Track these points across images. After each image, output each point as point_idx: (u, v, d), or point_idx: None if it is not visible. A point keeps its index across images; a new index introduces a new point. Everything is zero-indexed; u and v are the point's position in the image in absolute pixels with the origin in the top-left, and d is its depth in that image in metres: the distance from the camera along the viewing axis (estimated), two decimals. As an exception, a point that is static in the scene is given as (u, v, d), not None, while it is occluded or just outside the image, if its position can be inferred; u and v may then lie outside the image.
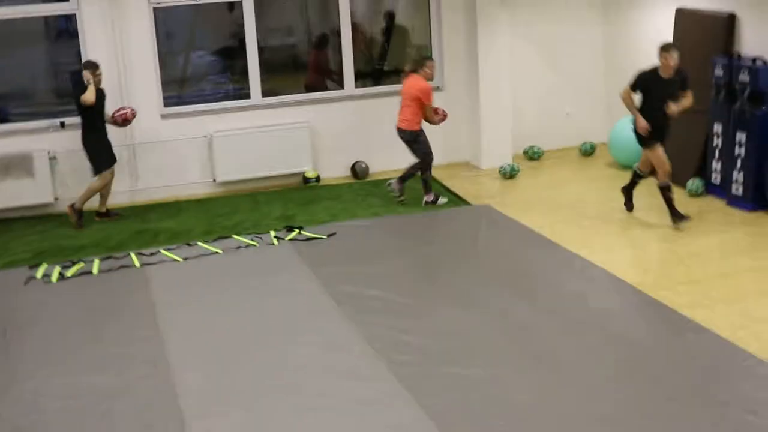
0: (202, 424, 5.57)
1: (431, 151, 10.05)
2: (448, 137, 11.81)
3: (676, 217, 8.93)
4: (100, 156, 9.85)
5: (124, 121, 10.00)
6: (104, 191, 10.05)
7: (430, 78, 9.98)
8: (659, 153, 8.98)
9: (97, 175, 9.86)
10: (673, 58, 8.66)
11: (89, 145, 9.80)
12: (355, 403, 5.74)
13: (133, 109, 10.05)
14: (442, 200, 10.08)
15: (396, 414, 5.59)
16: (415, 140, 9.96)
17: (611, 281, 7.59)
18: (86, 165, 9.97)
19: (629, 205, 9.51)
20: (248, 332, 6.91)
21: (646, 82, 8.87)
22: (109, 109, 9.99)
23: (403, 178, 10.15)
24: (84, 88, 9.50)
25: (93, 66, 9.64)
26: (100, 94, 9.72)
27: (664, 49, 8.72)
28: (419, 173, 10.03)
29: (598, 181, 10.77)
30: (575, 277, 7.76)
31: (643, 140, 9.05)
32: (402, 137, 10.03)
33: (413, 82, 9.86)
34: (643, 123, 8.86)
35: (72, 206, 9.86)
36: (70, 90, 10.37)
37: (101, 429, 5.61)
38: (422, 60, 9.99)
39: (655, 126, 8.87)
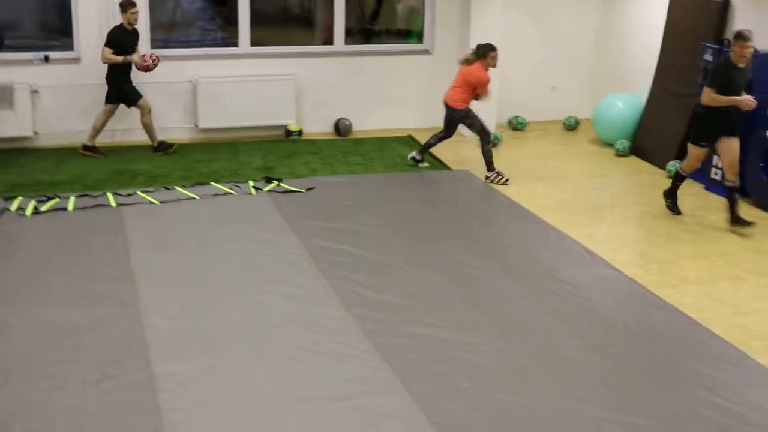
0: (168, 367, 5.57)
1: (485, 124, 9.84)
2: (433, 102, 11.77)
3: (737, 222, 8.42)
4: (130, 90, 10.10)
5: (146, 69, 10.08)
6: (100, 126, 10.13)
7: (492, 67, 9.71)
8: (735, 148, 8.44)
9: (137, 106, 10.14)
10: (749, 46, 8.14)
11: (115, 82, 10.00)
12: (320, 354, 5.77)
13: (154, 58, 10.10)
14: (500, 179, 9.68)
15: (360, 368, 5.62)
16: (466, 116, 9.77)
17: (584, 255, 7.64)
18: (68, 101, 9.90)
19: (676, 209, 8.88)
20: (220, 280, 6.91)
21: (726, 76, 8.26)
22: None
23: (424, 149, 10.14)
24: (111, 42, 9.85)
25: (128, 5, 9.80)
26: (134, 34, 10.02)
27: (741, 37, 8.11)
28: (481, 146, 9.77)
29: (580, 157, 10.81)
30: (549, 248, 7.81)
31: (712, 135, 8.50)
32: (448, 113, 9.87)
33: (473, 70, 9.57)
34: (746, 99, 8.22)
35: (153, 147, 10.33)
36: (58, 25, 10.33)
37: (66, 363, 5.60)
38: (486, 49, 9.61)
39: (729, 119, 8.41)
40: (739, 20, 9.63)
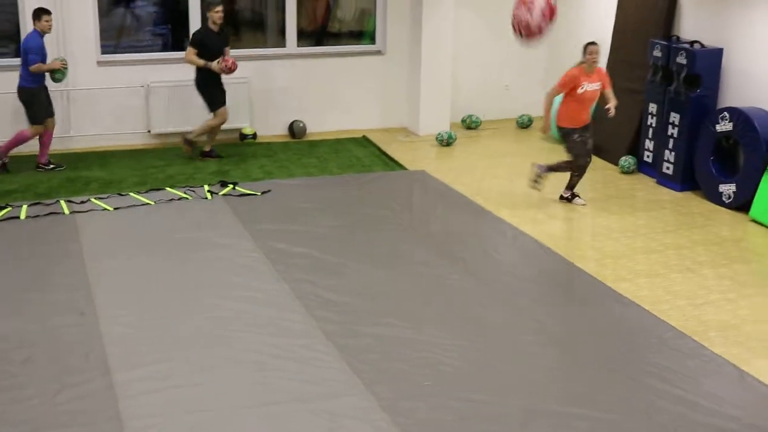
0: (128, 375, 5.53)
1: (582, 155, 8.93)
2: (387, 102, 11.82)
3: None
4: (214, 95, 10.06)
5: (229, 71, 10.01)
6: (214, 130, 10.25)
7: (593, 62, 8.74)
8: None
9: (214, 113, 10.10)
10: None
11: (203, 85, 10.03)
12: (281, 358, 5.76)
13: (233, 61, 10.00)
14: (580, 201, 9.11)
15: (322, 370, 5.62)
16: (564, 138, 9.03)
17: (541, 251, 7.71)
18: (16, 109, 9.76)
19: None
20: (178, 285, 6.86)
21: None
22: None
23: (551, 168, 9.13)
24: (195, 43, 9.87)
25: (211, 4, 9.88)
26: (222, 35, 10.02)
27: None
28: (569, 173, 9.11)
29: (533, 154, 10.86)
30: (506, 245, 7.86)
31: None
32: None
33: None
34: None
35: (185, 139, 10.23)
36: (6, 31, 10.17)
37: (23, 374, 5.53)
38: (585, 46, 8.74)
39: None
40: (687, 17, 9.78)
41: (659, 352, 5.96)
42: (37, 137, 9.64)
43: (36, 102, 9.46)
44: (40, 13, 9.35)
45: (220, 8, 9.86)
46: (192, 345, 5.93)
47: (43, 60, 9.36)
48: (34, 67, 9.25)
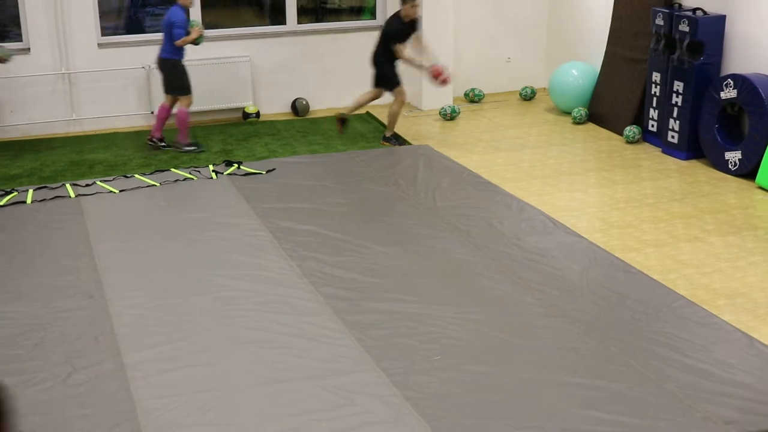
0: (138, 356, 5.55)
1: None
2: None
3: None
4: (394, 76, 9.97)
5: (442, 81, 9.93)
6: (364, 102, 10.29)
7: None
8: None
9: (393, 92, 10.04)
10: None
11: (386, 69, 9.94)
12: (290, 336, 5.77)
13: (448, 75, 9.97)
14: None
15: (331, 347, 5.64)
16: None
17: (546, 222, 7.69)
18: (20, 93, 9.77)
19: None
20: (185, 266, 6.87)
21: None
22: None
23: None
24: (395, 33, 9.78)
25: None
26: (411, 25, 9.86)
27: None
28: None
29: (538, 126, 10.86)
30: (511, 217, 7.85)
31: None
32: None
33: None
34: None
35: (390, 135, 10.17)
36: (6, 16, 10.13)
37: (33, 359, 5.55)
38: None
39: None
40: (689, -17, 9.72)
41: (668, 322, 5.96)
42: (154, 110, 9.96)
43: (181, 72, 9.65)
44: None
45: (416, 3, 9.72)
46: (201, 325, 5.94)
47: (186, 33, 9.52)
48: (179, 41, 9.42)
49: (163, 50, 9.60)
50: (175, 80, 9.65)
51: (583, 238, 7.37)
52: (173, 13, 9.48)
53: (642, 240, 7.39)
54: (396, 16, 9.85)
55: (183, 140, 9.77)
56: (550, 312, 6.11)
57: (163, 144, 9.81)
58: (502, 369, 5.40)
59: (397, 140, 10.12)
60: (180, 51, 9.57)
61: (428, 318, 5.99)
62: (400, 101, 10.05)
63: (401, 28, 9.83)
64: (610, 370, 5.38)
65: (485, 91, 12.13)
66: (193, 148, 9.75)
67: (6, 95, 10.20)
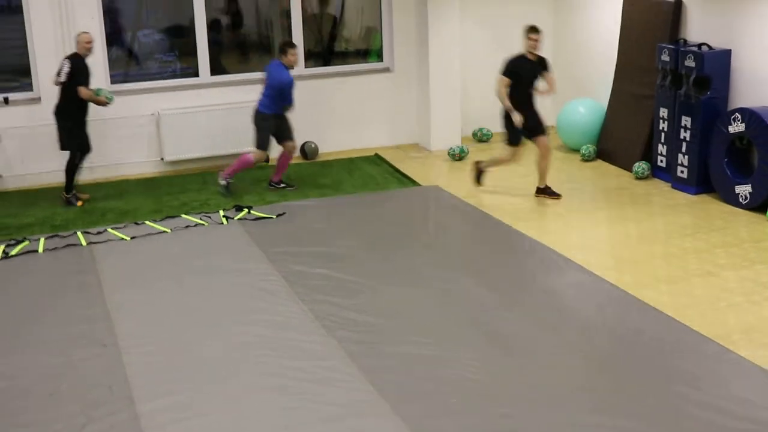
0: (152, 405, 5.52)
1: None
2: (397, 119, 11.83)
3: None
4: (513, 129, 9.35)
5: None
6: (543, 165, 9.54)
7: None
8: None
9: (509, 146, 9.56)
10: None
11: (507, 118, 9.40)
12: (305, 381, 5.74)
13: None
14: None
15: (348, 392, 5.60)
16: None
17: (559, 261, 7.68)
18: (30, 142, 9.84)
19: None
20: (198, 312, 6.86)
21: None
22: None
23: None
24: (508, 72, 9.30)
25: (531, 30, 9.41)
26: (537, 63, 9.41)
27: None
28: None
29: (546, 164, 10.85)
30: (524, 256, 7.84)
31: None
32: None
33: None
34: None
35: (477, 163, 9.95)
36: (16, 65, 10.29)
37: (48, 409, 5.52)
38: None
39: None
40: (693, 20, 9.76)
41: (684, 358, 5.92)
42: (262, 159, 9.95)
43: (266, 128, 9.71)
44: (285, 47, 9.66)
45: (536, 36, 9.31)
46: (215, 372, 5.92)
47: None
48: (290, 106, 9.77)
49: (260, 103, 9.72)
50: (258, 134, 9.77)
51: (596, 275, 7.34)
52: (283, 73, 9.59)
53: (655, 276, 7.36)
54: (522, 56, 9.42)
55: (226, 175, 9.85)
56: (565, 351, 6.07)
57: (282, 185, 10.05)
58: (521, 410, 5.35)
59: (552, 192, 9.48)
60: (274, 106, 9.68)
61: (444, 360, 5.96)
62: (546, 154, 9.45)
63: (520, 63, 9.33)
64: (629, 409, 5.33)
65: (493, 131, 12.15)
66: (224, 184, 9.85)
67: (17, 144, 10.26)
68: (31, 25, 10.23)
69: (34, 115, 10.30)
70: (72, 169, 9.52)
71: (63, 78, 9.18)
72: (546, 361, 5.96)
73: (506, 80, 9.24)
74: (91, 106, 9.52)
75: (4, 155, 10.27)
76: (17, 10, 10.35)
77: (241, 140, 10.94)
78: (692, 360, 5.89)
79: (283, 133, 9.91)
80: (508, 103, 9.19)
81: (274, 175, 10.07)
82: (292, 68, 9.69)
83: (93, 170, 10.58)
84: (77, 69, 9.21)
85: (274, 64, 9.71)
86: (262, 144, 9.78)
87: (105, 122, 10.54)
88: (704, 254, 7.82)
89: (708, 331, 6.28)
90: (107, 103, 9.55)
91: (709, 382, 5.59)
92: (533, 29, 9.32)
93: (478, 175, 9.83)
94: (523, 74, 9.27)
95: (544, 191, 9.51)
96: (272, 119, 9.71)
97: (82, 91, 9.22)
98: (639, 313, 6.63)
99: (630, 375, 5.73)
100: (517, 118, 9.14)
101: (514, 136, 9.43)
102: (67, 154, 9.51)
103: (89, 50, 9.35)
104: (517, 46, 12.17)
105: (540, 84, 9.40)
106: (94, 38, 9.62)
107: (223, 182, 9.82)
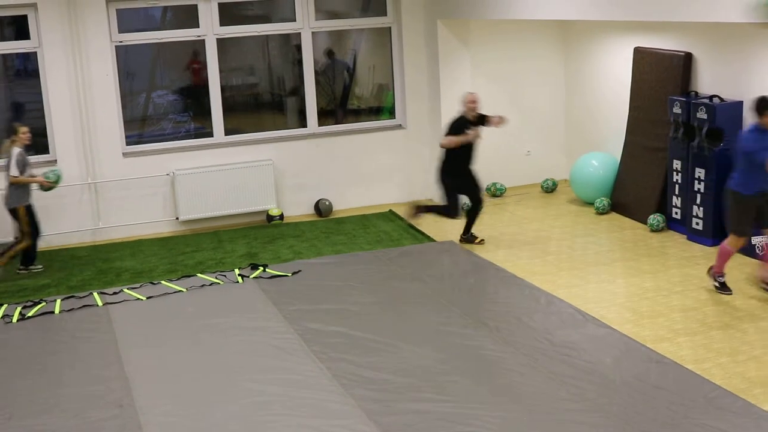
0: (169, 464, 5.50)
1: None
2: (410, 175, 11.88)
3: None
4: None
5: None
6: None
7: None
8: None
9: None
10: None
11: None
12: (324, 440, 5.70)
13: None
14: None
15: (366, 451, 5.56)
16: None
17: (576, 315, 7.64)
18: (46, 205, 9.91)
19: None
20: (214, 371, 6.84)
21: None
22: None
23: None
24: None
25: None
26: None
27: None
28: None
29: (561, 218, 10.87)
30: (540, 311, 7.80)
31: None
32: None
33: None
34: None
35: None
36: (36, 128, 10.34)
37: (65, 471, 5.51)
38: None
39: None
40: (703, 72, 9.81)
41: (706, 412, 5.85)
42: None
43: (743, 209, 7.95)
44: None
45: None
46: (232, 432, 5.89)
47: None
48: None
49: (732, 180, 7.99)
50: (732, 215, 8.10)
51: (614, 329, 7.30)
52: (748, 138, 7.77)
53: (673, 329, 7.31)
54: None
55: (716, 270, 8.19)
56: (585, 407, 6.01)
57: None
58: (540, 468, 5.29)
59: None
60: (753, 184, 7.81)
61: (462, 417, 5.91)
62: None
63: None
64: (651, 466, 5.26)
65: (506, 185, 12.19)
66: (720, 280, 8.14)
67: (36, 205, 10.31)
68: (47, 88, 10.36)
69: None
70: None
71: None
72: (565, 417, 5.89)
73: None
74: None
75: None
76: (33, 74, 10.51)
77: (257, 198, 11.01)
78: (714, 414, 5.81)
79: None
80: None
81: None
82: None
83: (109, 231, 10.63)
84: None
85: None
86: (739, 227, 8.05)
87: (120, 183, 10.61)
88: (722, 306, 7.76)
89: (729, 385, 6.21)
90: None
91: (732, 437, 5.52)
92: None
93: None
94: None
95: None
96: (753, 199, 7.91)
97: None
98: (658, 367, 6.56)
99: (651, 430, 5.65)
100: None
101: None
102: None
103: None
104: (529, 100, 12.32)
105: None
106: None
107: (720, 279, 8.13)
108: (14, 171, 9.18)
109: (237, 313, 8.03)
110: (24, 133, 9.30)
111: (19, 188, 9.31)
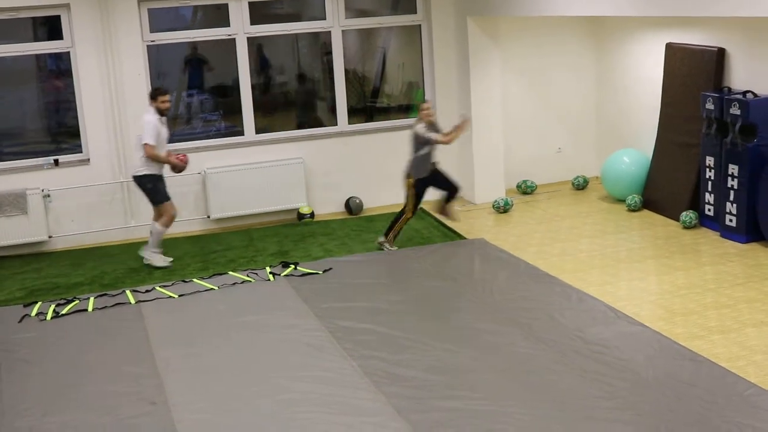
0: (202, 461, 5.53)
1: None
2: (442, 172, 11.85)
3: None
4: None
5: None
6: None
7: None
8: None
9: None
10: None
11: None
12: (355, 437, 5.71)
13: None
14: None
15: (397, 448, 5.56)
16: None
17: (608, 313, 7.59)
18: (79, 202, 10.00)
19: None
20: (246, 369, 6.87)
21: None
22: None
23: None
24: None
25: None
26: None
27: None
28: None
29: (593, 215, 10.81)
30: (572, 308, 7.76)
31: None
32: None
33: None
34: None
35: None
36: (66, 127, 10.49)
37: (99, 467, 5.55)
38: None
39: None
40: (736, 67, 9.72)
41: (741, 410, 5.79)
42: None
43: None
44: None
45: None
46: (264, 429, 5.90)
47: None
48: None
49: None
50: None
51: (646, 327, 7.25)
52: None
53: (707, 327, 7.25)
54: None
55: None
56: (617, 405, 5.97)
57: None
58: (573, 466, 5.27)
59: None
60: None
61: (494, 415, 5.89)
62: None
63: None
64: (685, 464, 5.22)
65: (537, 182, 12.15)
66: None
67: (66, 205, 10.44)
68: (80, 88, 10.44)
69: (83, 176, 10.48)
70: None
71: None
72: (598, 415, 5.86)
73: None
74: None
75: (53, 216, 10.43)
76: (66, 74, 10.61)
77: (287, 196, 11.04)
78: (749, 413, 5.76)
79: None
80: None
81: None
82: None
83: (141, 229, 10.70)
84: None
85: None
86: None
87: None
88: (756, 303, 7.69)
89: (764, 383, 6.15)
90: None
91: (767, 435, 5.47)
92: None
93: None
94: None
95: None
96: None
97: None
98: (692, 365, 6.51)
99: (685, 429, 5.60)
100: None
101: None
102: None
103: None
104: (560, 97, 12.27)
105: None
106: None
107: None
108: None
109: (268, 311, 8.06)
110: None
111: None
